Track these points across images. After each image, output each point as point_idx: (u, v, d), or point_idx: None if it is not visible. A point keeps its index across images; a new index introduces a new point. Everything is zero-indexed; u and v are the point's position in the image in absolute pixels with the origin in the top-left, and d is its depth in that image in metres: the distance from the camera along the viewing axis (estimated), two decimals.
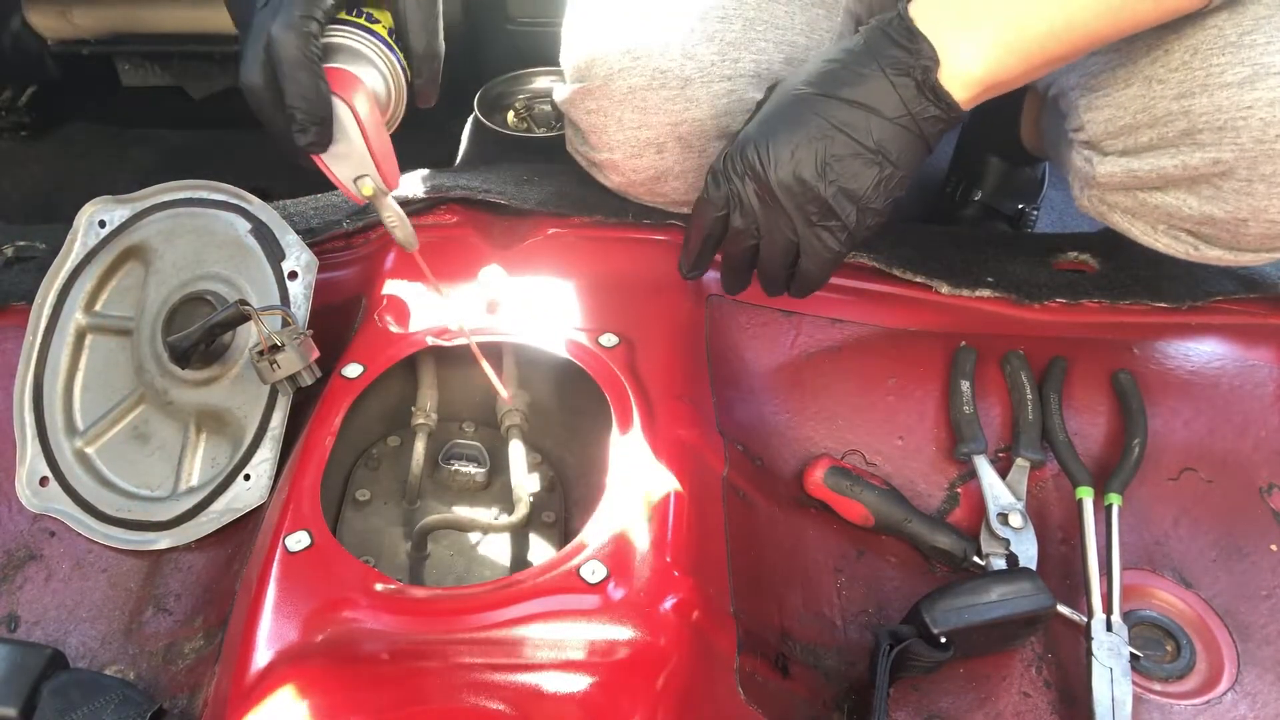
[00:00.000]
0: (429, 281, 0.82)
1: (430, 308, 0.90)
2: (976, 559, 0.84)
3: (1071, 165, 0.92)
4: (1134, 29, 0.74)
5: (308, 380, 0.83)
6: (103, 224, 0.96)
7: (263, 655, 0.66)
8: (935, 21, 0.72)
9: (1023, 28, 0.71)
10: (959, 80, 0.72)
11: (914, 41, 0.71)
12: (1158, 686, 0.79)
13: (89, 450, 0.91)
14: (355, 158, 0.73)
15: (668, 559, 0.70)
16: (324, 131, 0.71)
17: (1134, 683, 0.76)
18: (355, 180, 0.74)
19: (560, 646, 0.65)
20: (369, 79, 0.73)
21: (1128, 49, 0.81)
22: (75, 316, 0.94)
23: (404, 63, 0.77)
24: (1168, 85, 0.79)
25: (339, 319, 0.93)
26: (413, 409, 0.88)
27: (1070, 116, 0.90)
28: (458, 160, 1.20)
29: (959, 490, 0.90)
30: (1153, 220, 0.88)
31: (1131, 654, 0.77)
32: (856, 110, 0.73)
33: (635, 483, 0.74)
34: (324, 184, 1.09)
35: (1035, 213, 1.37)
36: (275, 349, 0.80)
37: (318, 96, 0.69)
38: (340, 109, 0.71)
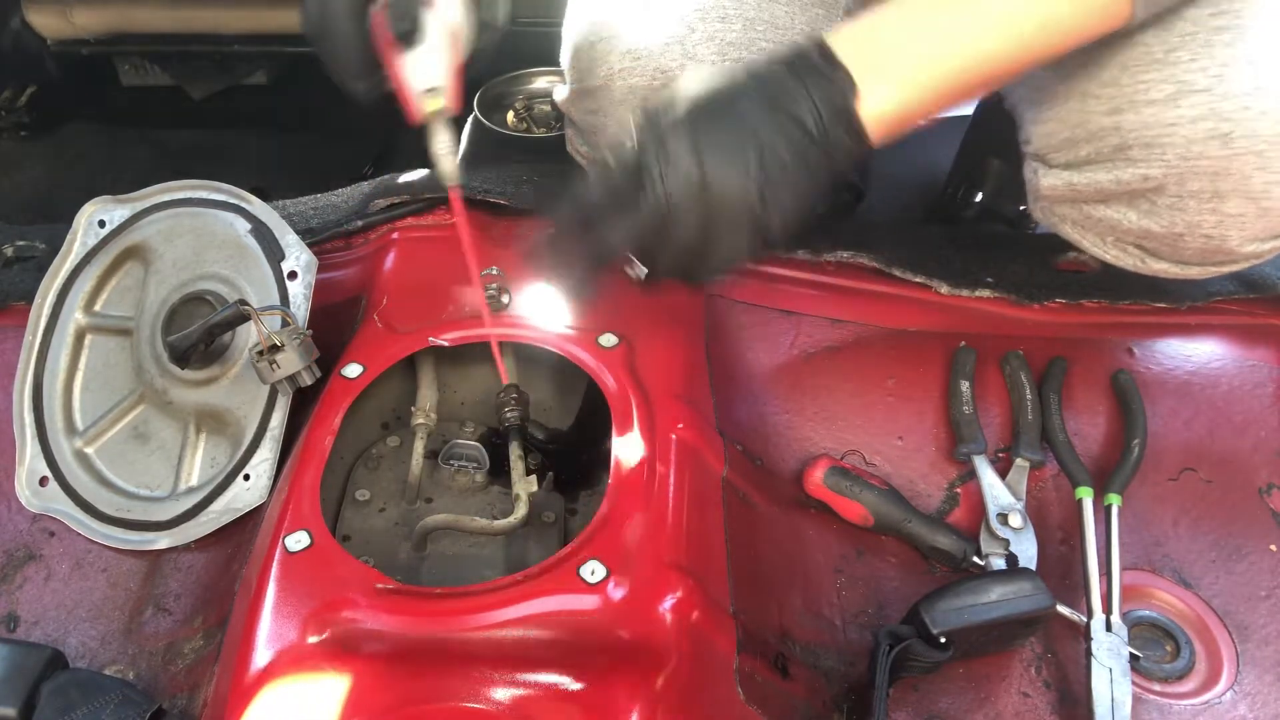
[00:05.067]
0: (464, 239, 0.79)
1: (430, 306, 0.90)
2: (976, 559, 0.84)
3: (1025, 176, 0.92)
4: (1049, 57, 0.73)
5: (308, 380, 0.83)
6: (102, 224, 0.96)
7: (262, 655, 0.66)
8: (851, 57, 0.71)
9: (936, 65, 0.70)
10: (872, 117, 0.71)
11: (833, 68, 0.70)
12: (1157, 686, 0.79)
13: (89, 450, 0.91)
14: (432, 67, 0.72)
15: (667, 559, 0.70)
16: (415, 22, 0.70)
17: (1134, 683, 0.76)
18: (426, 92, 0.73)
19: (560, 646, 0.65)
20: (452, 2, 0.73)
21: (1067, 64, 0.81)
22: (75, 316, 0.94)
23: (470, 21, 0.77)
24: (1101, 101, 0.79)
25: (339, 319, 0.93)
26: (413, 409, 0.88)
27: (1021, 129, 0.90)
28: (457, 160, 1.20)
29: (959, 490, 0.90)
30: (1100, 232, 0.88)
31: (1131, 654, 0.77)
32: (781, 119, 0.71)
33: (635, 483, 0.74)
34: (323, 185, 1.10)
35: None
36: (275, 349, 0.81)
37: None
38: (430, 13, 0.71)
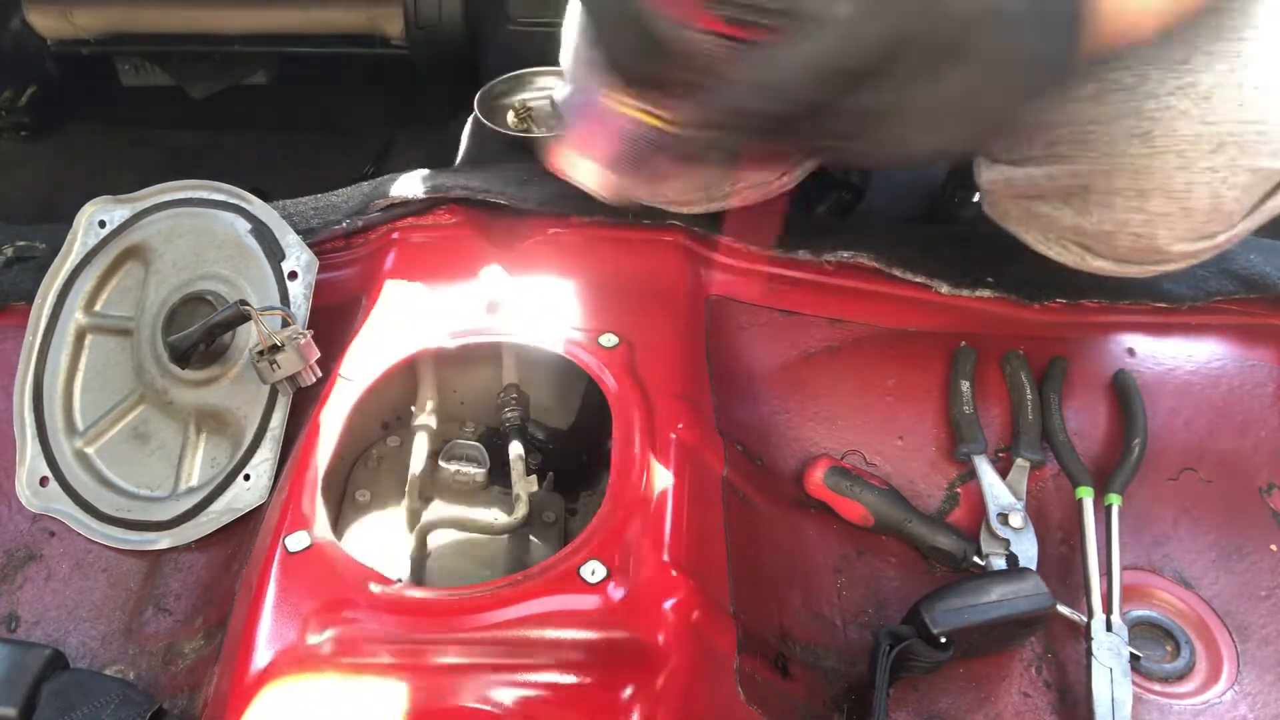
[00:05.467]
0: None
1: (430, 307, 0.90)
2: (976, 559, 0.84)
3: (974, 171, 0.92)
4: None
5: (308, 380, 0.83)
6: (103, 224, 0.96)
7: (263, 655, 0.66)
8: None
9: None
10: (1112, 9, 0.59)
11: None
12: (1158, 686, 0.79)
13: (89, 450, 0.91)
14: None
15: (667, 559, 0.70)
16: None
17: (1134, 683, 0.76)
18: None
19: (560, 646, 0.65)
20: None
21: None
22: (75, 316, 0.94)
23: None
24: None
25: (339, 319, 0.93)
26: (413, 409, 0.88)
27: None
28: (458, 160, 1.21)
29: (959, 490, 0.90)
30: (1041, 228, 0.88)
31: (1131, 654, 0.77)
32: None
33: (635, 483, 0.74)
34: (323, 185, 1.10)
35: None
36: (275, 349, 0.81)
37: None
38: None
